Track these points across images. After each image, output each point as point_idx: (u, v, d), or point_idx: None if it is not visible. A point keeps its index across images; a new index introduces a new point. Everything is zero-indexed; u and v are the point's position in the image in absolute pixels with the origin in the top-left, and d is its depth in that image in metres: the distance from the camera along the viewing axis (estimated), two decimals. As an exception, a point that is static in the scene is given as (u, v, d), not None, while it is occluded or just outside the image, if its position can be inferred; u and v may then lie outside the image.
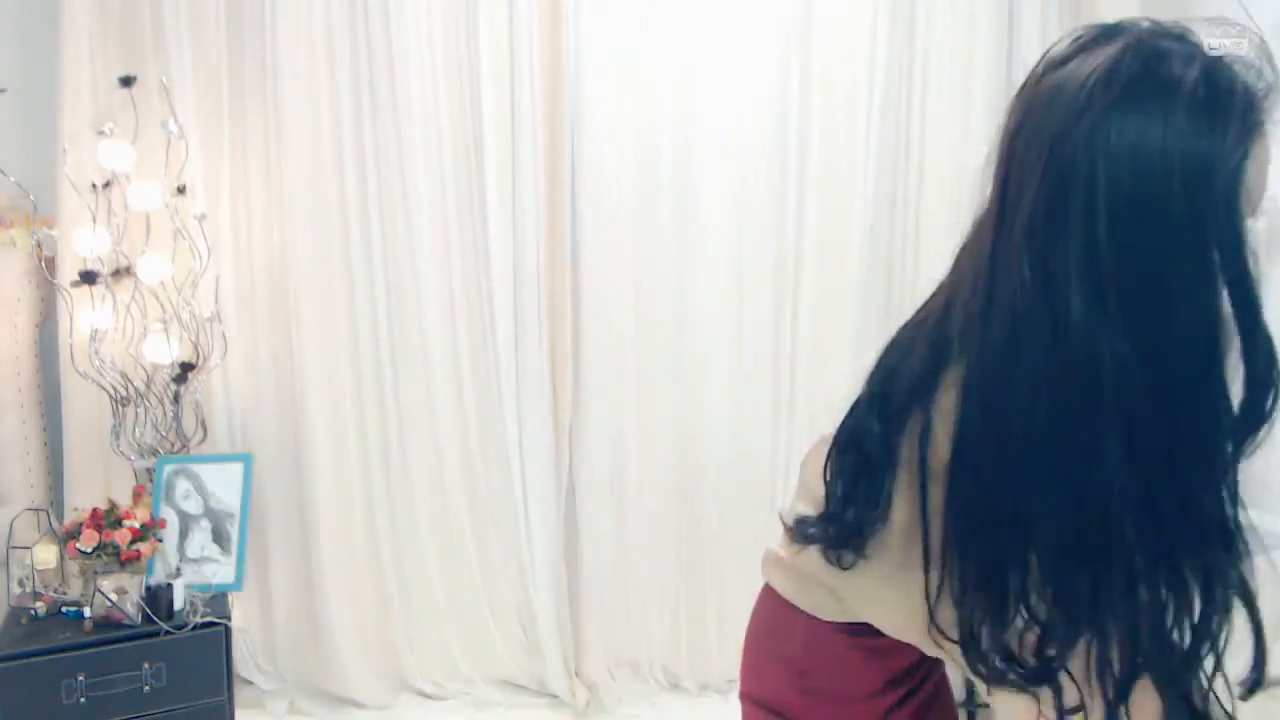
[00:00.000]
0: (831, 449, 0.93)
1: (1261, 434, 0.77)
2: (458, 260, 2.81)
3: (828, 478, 0.92)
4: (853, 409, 0.93)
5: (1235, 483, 0.81)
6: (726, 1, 2.76)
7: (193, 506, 2.62)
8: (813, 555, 0.94)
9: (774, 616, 1.05)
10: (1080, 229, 0.73)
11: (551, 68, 2.75)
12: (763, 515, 2.86)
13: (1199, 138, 0.71)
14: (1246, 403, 0.74)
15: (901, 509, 0.85)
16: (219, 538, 2.61)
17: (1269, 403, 0.75)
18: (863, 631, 0.94)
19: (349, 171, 2.74)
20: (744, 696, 1.10)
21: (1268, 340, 0.73)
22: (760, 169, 2.82)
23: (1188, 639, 0.75)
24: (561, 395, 2.84)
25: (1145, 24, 0.80)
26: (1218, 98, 0.73)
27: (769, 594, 1.07)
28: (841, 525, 0.89)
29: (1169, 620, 0.75)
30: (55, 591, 2.43)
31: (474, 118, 2.76)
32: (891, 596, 0.87)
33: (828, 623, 0.98)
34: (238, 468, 2.66)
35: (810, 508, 0.96)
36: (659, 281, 2.86)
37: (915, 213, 2.77)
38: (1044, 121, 0.77)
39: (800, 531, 0.96)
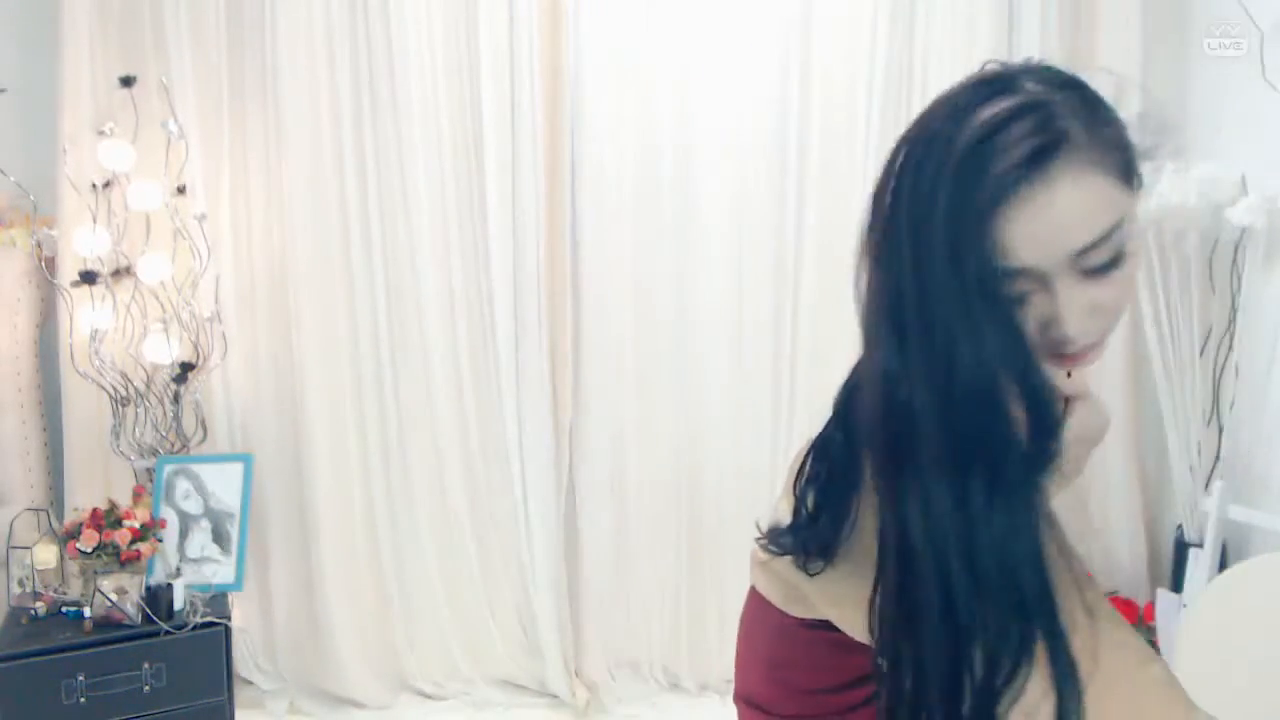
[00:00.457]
0: (806, 456, 0.92)
1: (1046, 478, 0.77)
2: (458, 260, 2.81)
3: (798, 486, 0.92)
4: (829, 418, 0.91)
5: (1045, 546, 0.78)
6: (726, 1, 2.77)
7: (193, 506, 2.62)
8: (785, 558, 0.95)
9: (754, 614, 1.06)
10: (886, 268, 0.76)
11: (551, 68, 2.75)
12: (763, 515, 2.85)
13: (958, 187, 0.71)
14: (1030, 449, 0.74)
15: (868, 518, 0.83)
16: (219, 538, 2.62)
17: (1047, 447, 0.75)
18: (831, 627, 0.94)
19: (349, 171, 2.74)
20: (736, 697, 1.10)
21: (1035, 386, 0.73)
22: (760, 169, 2.82)
23: (973, 698, 0.73)
24: (561, 395, 2.84)
25: (1004, 68, 0.79)
26: (985, 147, 0.71)
27: (752, 593, 1.08)
28: (811, 534, 0.89)
29: (966, 673, 0.72)
30: (55, 591, 2.43)
31: (474, 118, 2.76)
32: (852, 600, 0.86)
33: (796, 618, 0.99)
34: (238, 468, 2.66)
35: (789, 514, 0.96)
36: (659, 281, 2.86)
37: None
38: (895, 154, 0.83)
39: (773, 539, 0.96)
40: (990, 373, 0.71)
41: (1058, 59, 2.61)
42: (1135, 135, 0.76)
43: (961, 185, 0.71)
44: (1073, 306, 0.73)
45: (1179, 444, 2.50)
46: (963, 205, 0.71)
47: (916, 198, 0.74)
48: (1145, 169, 0.76)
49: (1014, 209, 0.70)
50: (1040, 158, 0.69)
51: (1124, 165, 0.73)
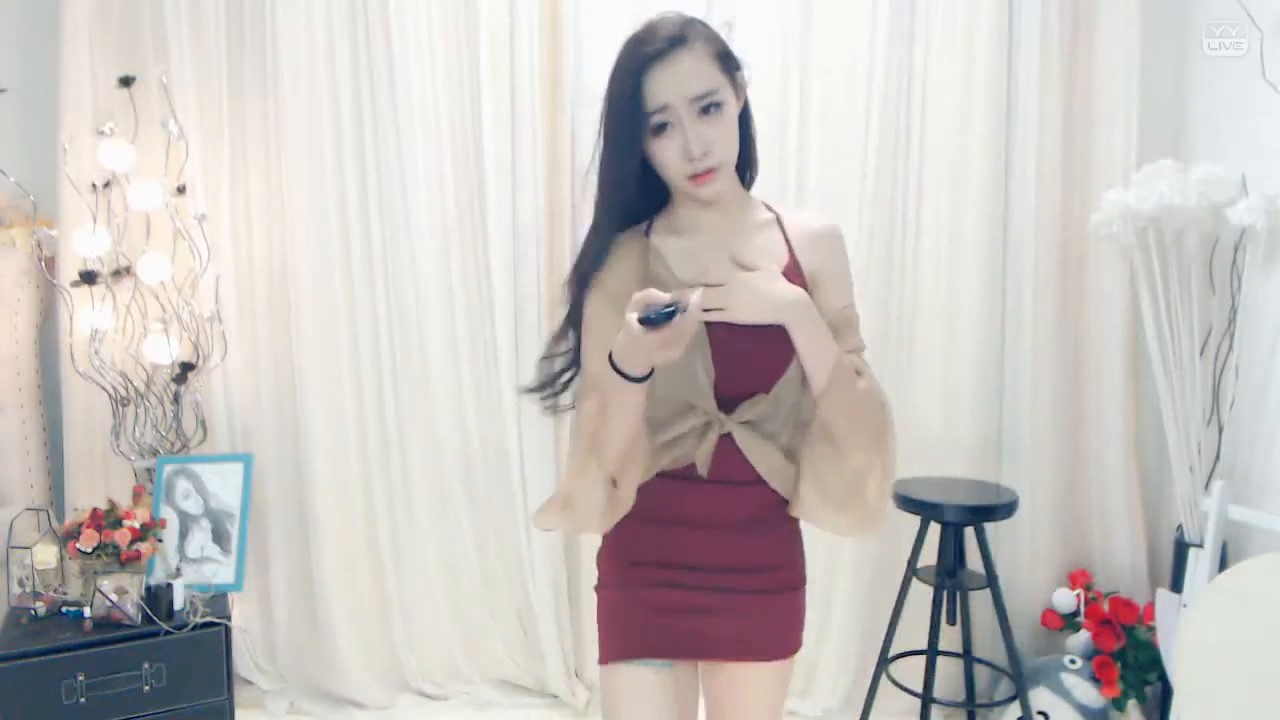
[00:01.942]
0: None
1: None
2: (457, 260, 2.81)
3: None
4: None
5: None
6: (726, 2, 2.77)
7: (193, 506, 2.62)
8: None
9: None
10: (600, 136, 1.32)
11: (551, 68, 2.75)
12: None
13: (627, 58, 1.27)
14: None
15: None
16: (219, 538, 2.62)
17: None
18: None
19: (349, 172, 2.75)
20: None
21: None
22: (760, 169, 2.81)
23: None
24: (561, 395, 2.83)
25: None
26: (644, 34, 1.26)
27: None
28: (547, 373, 1.40)
29: None
30: (55, 591, 2.43)
31: (474, 118, 2.76)
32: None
33: None
34: (238, 468, 2.66)
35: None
36: (659, 281, 2.86)
37: (915, 213, 2.77)
38: None
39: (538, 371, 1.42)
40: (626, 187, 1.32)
41: (1057, 59, 2.64)
42: (728, 46, 1.29)
43: (629, 57, 1.26)
44: (694, 134, 1.25)
45: (1179, 444, 2.50)
46: (628, 68, 1.25)
47: (610, 76, 1.28)
48: (740, 68, 1.31)
49: (657, 68, 1.23)
50: (675, 42, 1.24)
51: (724, 60, 1.28)
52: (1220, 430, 2.49)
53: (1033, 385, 2.76)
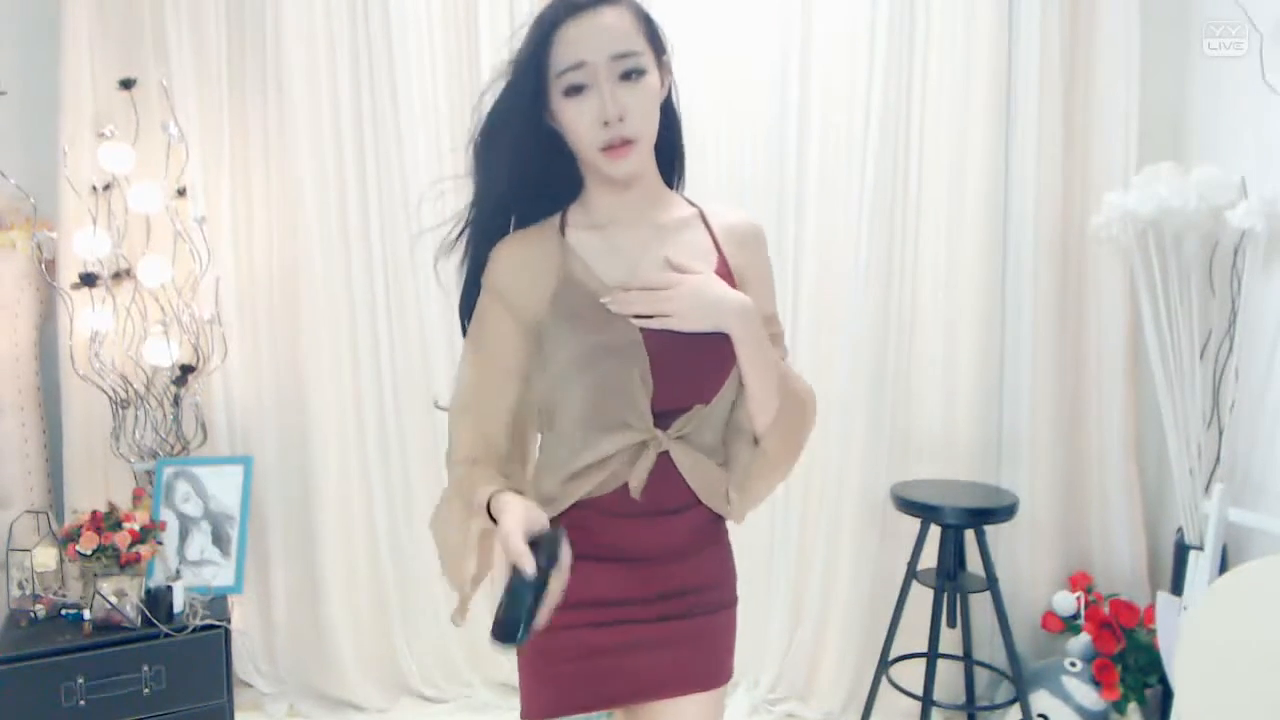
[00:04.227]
0: None
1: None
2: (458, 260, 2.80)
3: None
4: None
5: None
6: (726, 4, 2.77)
7: (193, 509, 2.61)
8: None
9: None
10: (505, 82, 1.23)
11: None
12: (762, 514, 2.86)
13: (545, 12, 1.17)
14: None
15: None
16: (219, 540, 2.61)
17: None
18: None
19: (349, 174, 2.75)
20: None
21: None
22: (759, 170, 2.81)
23: None
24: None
25: None
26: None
27: None
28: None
29: None
30: (55, 594, 2.43)
31: (475, 120, 2.76)
32: None
33: None
34: (237, 470, 2.66)
35: None
36: (659, 282, 2.85)
37: (915, 213, 2.77)
38: None
39: None
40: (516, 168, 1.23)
41: (1057, 61, 2.63)
42: (657, 26, 1.22)
43: (549, 9, 1.15)
44: (612, 99, 1.13)
45: (1179, 446, 2.50)
46: (546, 18, 1.15)
47: (528, 29, 1.18)
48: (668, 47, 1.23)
49: (578, 20, 1.13)
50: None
51: (651, 33, 1.19)
52: (1220, 433, 2.49)
53: (1032, 387, 2.76)
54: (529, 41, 1.16)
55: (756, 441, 1.24)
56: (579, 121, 1.15)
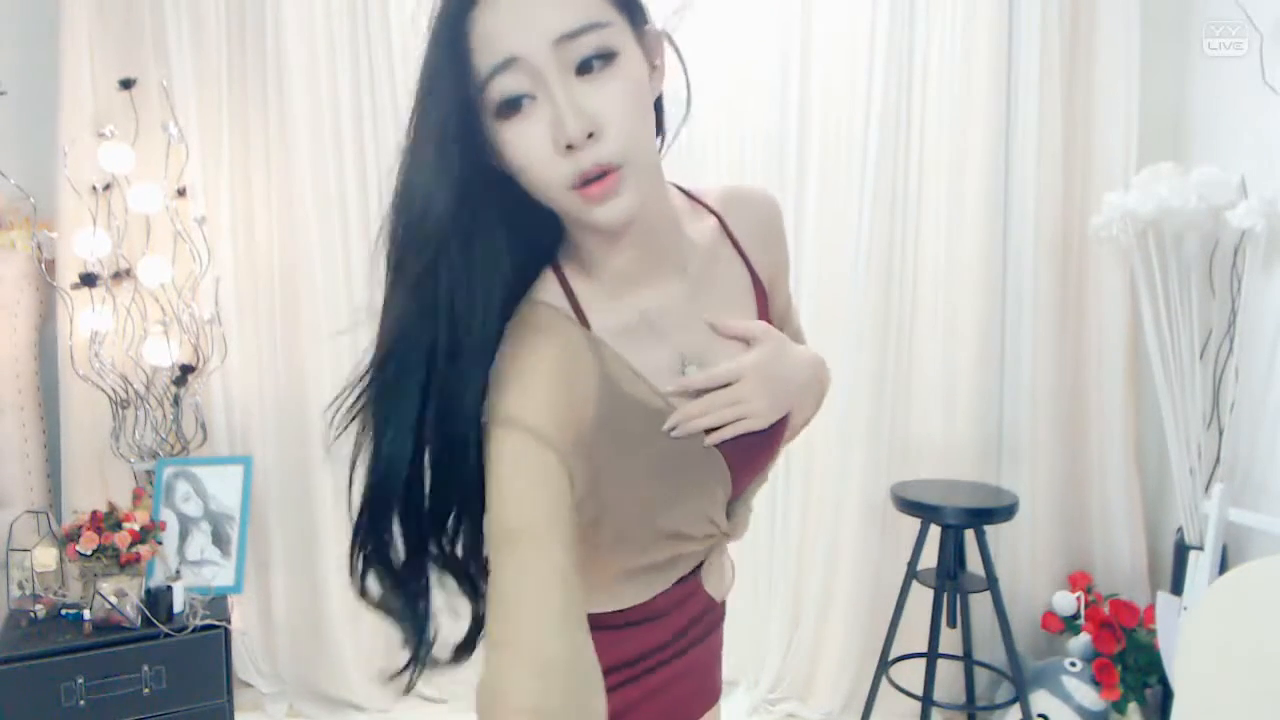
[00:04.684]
0: None
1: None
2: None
3: None
4: None
5: None
6: (726, 3, 2.77)
7: (192, 509, 2.61)
8: None
9: None
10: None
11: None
12: (762, 514, 2.86)
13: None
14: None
15: None
16: (219, 540, 2.61)
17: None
18: None
19: (349, 173, 2.75)
20: None
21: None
22: (760, 169, 2.81)
23: None
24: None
25: None
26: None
27: None
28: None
29: None
30: (55, 594, 2.43)
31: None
32: None
33: None
34: (237, 470, 2.66)
35: None
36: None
37: (915, 213, 2.77)
38: None
39: None
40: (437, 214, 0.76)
41: (1057, 60, 2.63)
42: None
43: None
44: (570, 106, 0.72)
45: (1179, 446, 2.50)
46: (446, 11, 0.76)
47: (429, 31, 0.79)
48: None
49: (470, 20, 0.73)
50: None
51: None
52: (1220, 433, 2.49)
53: (1033, 387, 2.76)
54: (430, 42, 0.79)
55: None
56: (528, 152, 0.75)
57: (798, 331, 1.12)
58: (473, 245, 0.78)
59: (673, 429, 0.86)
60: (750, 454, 0.92)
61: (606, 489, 0.84)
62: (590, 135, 0.74)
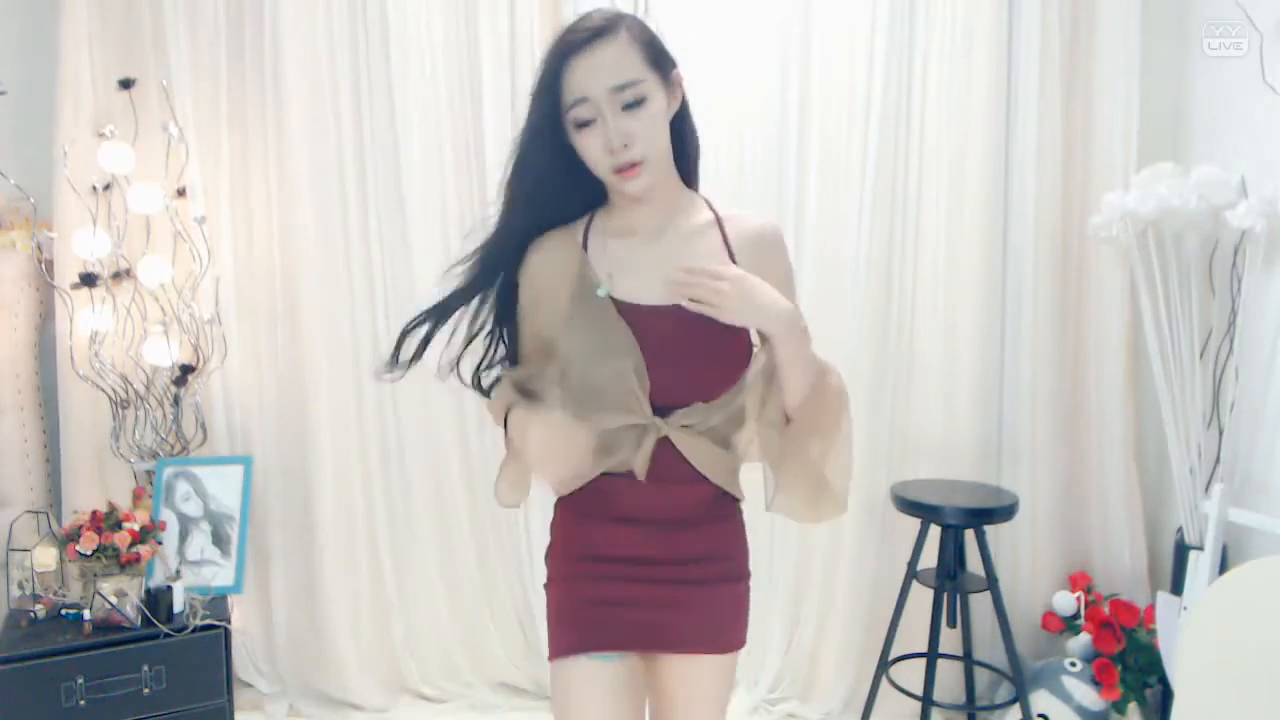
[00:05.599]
0: None
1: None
2: (458, 262, 2.80)
3: None
4: None
5: None
6: (727, 2, 2.77)
7: (192, 509, 2.61)
8: None
9: None
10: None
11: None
12: (762, 514, 2.85)
13: (553, 47, 1.27)
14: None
15: None
16: (219, 540, 2.61)
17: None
18: None
19: (349, 174, 2.75)
20: None
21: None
22: (760, 169, 2.82)
23: None
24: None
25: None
26: (574, 25, 1.27)
27: None
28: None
29: None
30: (55, 594, 2.43)
31: (474, 118, 2.76)
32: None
33: None
34: (238, 470, 2.66)
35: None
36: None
37: (915, 213, 2.77)
38: None
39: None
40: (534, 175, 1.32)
41: (1057, 61, 2.63)
42: (661, 44, 1.30)
43: (554, 45, 1.26)
44: (614, 127, 1.24)
45: (1179, 446, 2.50)
46: (552, 54, 1.26)
47: (540, 66, 1.28)
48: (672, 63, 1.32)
49: (579, 58, 1.24)
50: (600, 33, 1.24)
51: (653, 56, 1.27)
52: (1220, 433, 2.49)
53: (1033, 387, 2.76)
54: (539, 79, 1.28)
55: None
56: (589, 150, 1.27)
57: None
58: (551, 185, 1.34)
59: (676, 285, 1.27)
60: (662, 341, 1.28)
61: (563, 341, 1.30)
62: (625, 146, 1.25)
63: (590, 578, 1.36)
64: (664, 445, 1.29)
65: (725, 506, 1.39)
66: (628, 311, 1.29)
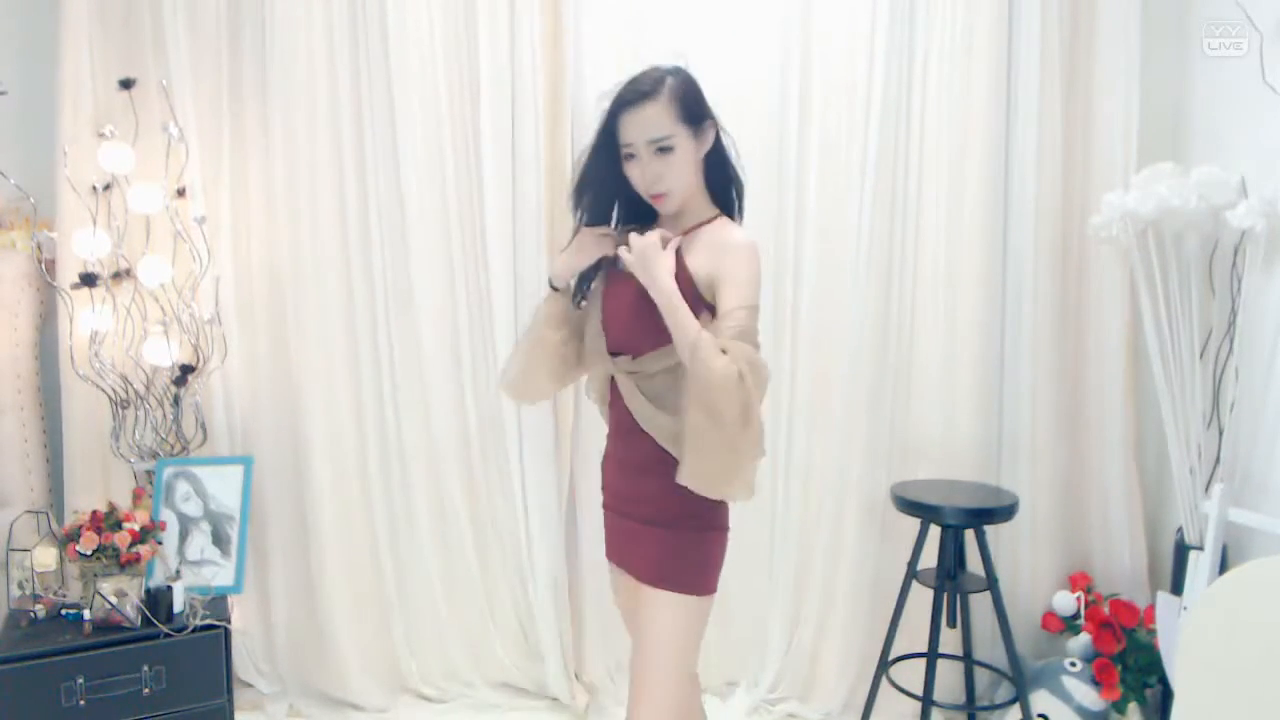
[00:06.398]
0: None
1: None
2: (458, 263, 2.81)
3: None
4: None
5: None
6: (727, 2, 2.77)
7: (192, 509, 2.62)
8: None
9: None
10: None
11: (552, 67, 2.75)
12: (762, 514, 2.86)
13: (614, 100, 1.66)
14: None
15: None
16: (219, 540, 2.61)
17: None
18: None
19: (348, 174, 2.75)
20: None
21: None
22: (760, 167, 2.81)
23: None
24: (561, 395, 2.83)
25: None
26: (628, 84, 1.65)
27: None
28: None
29: None
30: (55, 594, 2.43)
31: (473, 118, 2.76)
32: None
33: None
34: (237, 470, 2.66)
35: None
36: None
37: (915, 213, 2.77)
38: None
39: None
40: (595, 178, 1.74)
41: (1057, 61, 2.64)
42: (696, 101, 1.66)
43: (615, 98, 1.64)
44: (650, 166, 1.64)
45: (1179, 446, 2.50)
46: (611, 108, 1.64)
47: (604, 110, 1.67)
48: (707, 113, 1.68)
49: (629, 112, 1.62)
50: (646, 95, 1.61)
51: (685, 113, 1.63)
52: (1220, 433, 2.49)
53: (1033, 388, 2.76)
54: (603, 120, 1.67)
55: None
56: (633, 176, 1.68)
57: (741, 331, 1.57)
58: (603, 187, 1.75)
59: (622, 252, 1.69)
60: (616, 313, 1.75)
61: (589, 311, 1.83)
62: (655, 181, 1.66)
63: (603, 504, 1.84)
64: (618, 397, 1.74)
65: (662, 463, 1.64)
66: (615, 279, 1.75)
